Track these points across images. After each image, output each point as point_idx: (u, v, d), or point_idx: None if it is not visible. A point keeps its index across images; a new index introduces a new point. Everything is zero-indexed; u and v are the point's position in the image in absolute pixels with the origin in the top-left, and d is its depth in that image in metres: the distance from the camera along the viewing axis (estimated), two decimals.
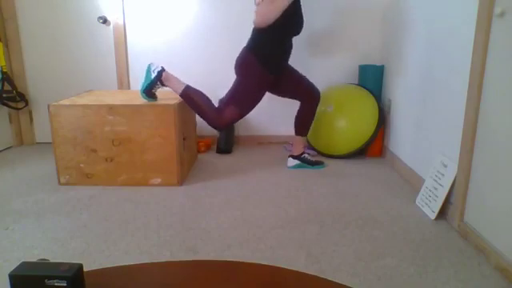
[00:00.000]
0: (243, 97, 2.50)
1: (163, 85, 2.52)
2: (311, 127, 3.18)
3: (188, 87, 2.51)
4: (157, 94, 2.57)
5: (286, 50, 2.54)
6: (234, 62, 2.54)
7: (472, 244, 1.83)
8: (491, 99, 1.72)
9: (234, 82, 2.53)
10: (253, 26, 2.48)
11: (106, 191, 2.46)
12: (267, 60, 2.45)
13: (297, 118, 2.78)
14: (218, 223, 2.05)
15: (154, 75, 2.50)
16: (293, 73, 2.66)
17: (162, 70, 2.51)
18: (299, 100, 2.73)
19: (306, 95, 2.69)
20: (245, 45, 2.53)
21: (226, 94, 2.54)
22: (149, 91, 2.50)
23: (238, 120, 2.55)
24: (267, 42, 2.43)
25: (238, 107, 2.49)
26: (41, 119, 3.48)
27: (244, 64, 2.47)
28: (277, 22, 2.35)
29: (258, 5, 2.41)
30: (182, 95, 2.51)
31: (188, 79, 3.33)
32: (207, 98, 2.54)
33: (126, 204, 2.28)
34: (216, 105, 2.58)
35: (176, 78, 2.53)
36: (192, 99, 2.50)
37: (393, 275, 1.61)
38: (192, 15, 3.26)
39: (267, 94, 3.14)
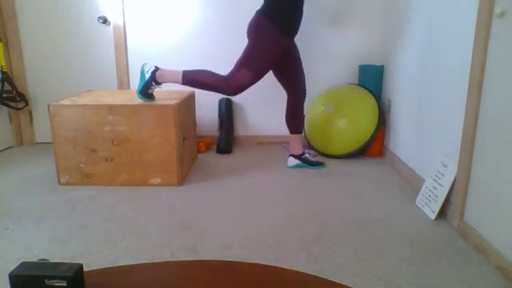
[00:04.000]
0: (255, 59, 2.46)
1: (158, 83, 2.52)
2: (309, 126, 3.18)
3: (185, 73, 2.49)
4: (154, 93, 2.57)
5: (300, 12, 2.52)
6: (247, 27, 2.52)
7: (472, 244, 1.83)
8: (491, 99, 1.72)
9: (246, 47, 2.50)
10: None
11: (106, 191, 2.46)
12: (281, 21, 2.43)
13: (286, 115, 2.79)
14: (218, 223, 2.05)
15: (148, 76, 2.50)
16: (297, 56, 2.66)
17: (156, 69, 2.51)
18: (289, 89, 2.71)
19: (297, 87, 2.69)
20: (257, 9, 2.51)
21: (237, 60, 2.51)
22: (145, 92, 2.50)
23: (249, 85, 2.50)
24: (281, 4, 2.42)
25: (250, 70, 2.45)
26: (41, 119, 3.48)
27: (257, 26, 2.45)
28: None
29: None
30: (184, 83, 2.50)
31: None
32: (208, 71, 2.52)
33: (126, 204, 2.28)
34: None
35: (170, 70, 2.51)
36: (195, 80, 2.49)
37: (393, 275, 1.61)
38: (192, 15, 3.26)
39: (266, 94, 3.14)
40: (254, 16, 2.49)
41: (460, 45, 1.98)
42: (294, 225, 2.04)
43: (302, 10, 2.52)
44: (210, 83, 2.49)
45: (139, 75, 2.57)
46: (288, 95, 2.75)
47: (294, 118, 2.76)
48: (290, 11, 2.45)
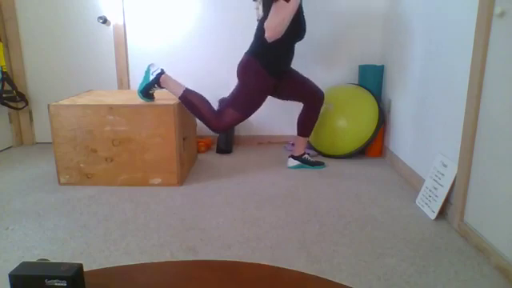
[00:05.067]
0: (244, 100, 2.49)
1: (160, 87, 2.52)
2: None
3: (187, 90, 2.50)
4: (155, 94, 2.57)
5: (290, 55, 2.54)
6: (237, 68, 2.54)
7: (472, 244, 1.83)
8: (491, 99, 1.72)
9: (236, 86, 2.53)
10: (255, 30, 2.49)
11: (106, 191, 2.46)
12: (270, 63, 2.44)
13: (300, 118, 2.77)
14: (218, 223, 2.05)
15: (152, 77, 2.50)
16: (296, 76, 2.65)
17: (162, 72, 2.51)
18: (303, 102, 2.72)
19: (310, 97, 2.68)
20: (247, 50, 2.52)
21: (227, 98, 2.54)
22: (146, 92, 2.51)
23: (237, 124, 2.55)
24: (271, 49, 2.42)
25: (239, 111, 2.49)
26: (41, 119, 3.48)
27: (246, 68, 2.47)
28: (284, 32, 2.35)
29: (259, 18, 2.44)
30: (180, 98, 2.50)
31: (187, 79, 3.33)
32: (207, 101, 2.53)
33: (126, 204, 2.28)
34: (215, 105, 2.58)
35: (175, 81, 2.52)
36: (191, 103, 2.49)
37: (393, 275, 1.61)
38: (192, 15, 3.26)
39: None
40: (243, 56, 2.50)
41: (460, 45, 1.98)
42: (293, 225, 2.04)
43: (291, 50, 2.53)
44: (203, 112, 2.51)
45: (144, 74, 2.57)
46: (304, 105, 2.74)
47: (308, 124, 2.76)
48: (279, 52, 2.46)
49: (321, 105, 2.73)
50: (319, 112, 2.74)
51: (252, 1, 2.69)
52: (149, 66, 2.53)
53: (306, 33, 2.55)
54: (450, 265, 1.68)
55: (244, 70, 2.48)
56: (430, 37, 2.33)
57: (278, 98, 2.73)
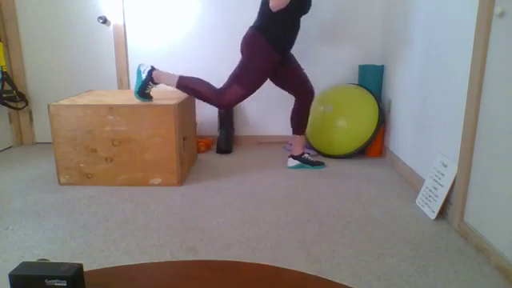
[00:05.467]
0: (248, 76, 2.47)
1: (155, 83, 2.54)
2: (309, 126, 3.18)
3: (181, 77, 2.52)
4: (153, 94, 2.57)
5: (295, 29, 2.51)
6: (241, 43, 2.52)
7: (472, 244, 1.83)
8: (491, 99, 1.72)
9: (239, 62, 2.51)
10: (259, 6, 2.47)
11: (105, 191, 2.46)
12: (275, 39, 2.43)
13: (292, 116, 2.78)
14: (218, 223, 2.05)
15: (144, 75, 2.51)
16: (296, 65, 2.66)
17: (152, 69, 2.53)
18: (294, 94, 2.72)
19: (302, 92, 2.68)
20: (252, 24, 2.51)
21: (231, 74, 2.53)
22: (142, 92, 2.51)
23: (241, 100, 2.53)
24: (277, 22, 2.40)
25: (243, 87, 2.47)
26: (41, 119, 3.48)
27: (250, 43, 2.45)
28: (289, 2, 2.34)
29: None
30: (178, 87, 2.52)
31: None
32: (205, 81, 2.54)
33: (126, 204, 2.28)
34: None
35: (167, 72, 2.54)
36: (189, 87, 2.51)
37: (393, 275, 1.61)
38: (192, 15, 3.26)
39: (266, 95, 3.14)
40: (249, 31, 2.49)
41: (460, 45, 1.98)
42: (293, 225, 2.04)
43: (297, 26, 2.51)
44: (202, 92, 2.51)
45: (136, 76, 2.58)
46: (296, 99, 2.75)
47: (300, 121, 2.76)
48: (284, 27, 2.45)
49: (310, 102, 2.72)
50: (309, 109, 2.75)
51: None
52: (139, 66, 2.56)
53: (311, 7, 2.53)
54: (450, 265, 1.68)
55: (248, 45, 2.46)
56: (430, 37, 2.33)
57: (274, 81, 2.71)
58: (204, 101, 2.54)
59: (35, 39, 3.32)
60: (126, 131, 2.45)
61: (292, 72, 2.64)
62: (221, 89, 2.51)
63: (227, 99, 2.50)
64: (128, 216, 2.14)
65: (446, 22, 2.13)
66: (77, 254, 1.78)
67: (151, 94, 2.61)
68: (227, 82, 2.51)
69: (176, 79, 2.51)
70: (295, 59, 2.68)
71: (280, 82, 2.71)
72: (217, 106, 2.55)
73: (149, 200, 2.33)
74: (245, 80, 2.47)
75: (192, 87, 2.52)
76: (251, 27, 2.49)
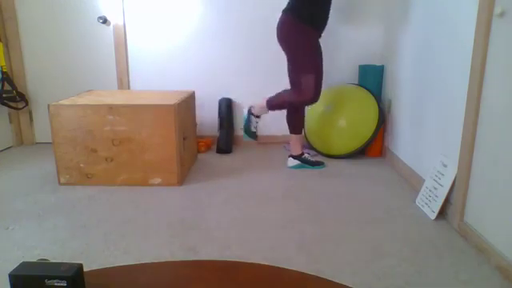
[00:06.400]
0: (305, 62, 2.49)
1: (256, 116, 2.75)
2: (309, 126, 3.18)
3: (267, 100, 2.68)
4: (152, 94, 2.58)
5: (323, 10, 2.52)
6: (276, 33, 2.54)
7: (472, 244, 1.83)
8: (491, 99, 1.72)
9: (289, 57, 2.55)
10: None
11: (105, 191, 2.46)
12: (312, 19, 2.45)
13: (287, 117, 2.80)
14: (218, 223, 2.05)
15: (246, 114, 2.77)
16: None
17: (250, 107, 2.77)
18: (291, 85, 2.72)
19: (297, 87, 2.68)
20: (284, 7, 2.52)
21: (289, 71, 2.59)
22: (249, 131, 2.77)
23: (319, 85, 2.55)
24: (310, 2, 2.43)
25: (310, 72, 2.50)
26: (41, 119, 3.48)
27: (286, 26, 2.48)
28: None
29: None
30: (270, 109, 2.72)
31: (188, 79, 3.33)
32: (280, 92, 2.67)
33: (126, 204, 2.28)
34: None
35: (258, 103, 2.73)
36: (275, 104, 2.67)
37: (393, 275, 1.61)
38: (192, 15, 3.26)
39: (266, 95, 3.13)
40: (282, 16, 2.51)
41: (460, 45, 1.98)
42: (293, 225, 2.04)
43: (327, 5, 2.51)
44: (287, 100, 2.62)
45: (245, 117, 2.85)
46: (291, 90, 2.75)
47: (293, 120, 2.77)
48: (315, 8, 2.46)
49: (302, 103, 2.69)
50: (302, 110, 2.76)
51: None
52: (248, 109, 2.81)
53: None
54: (450, 265, 1.68)
55: (286, 29, 2.48)
56: (430, 37, 2.33)
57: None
58: (295, 106, 2.64)
59: (35, 39, 3.32)
60: (126, 131, 2.45)
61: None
62: (295, 87, 2.56)
63: (307, 91, 2.53)
64: (128, 216, 2.14)
65: (446, 22, 2.13)
66: (77, 254, 1.78)
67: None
68: (294, 78, 2.57)
69: (265, 104, 2.67)
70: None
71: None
72: (307, 103, 2.61)
73: (149, 200, 2.33)
74: (306, 66, 2.50)
75: (277, 103, 2.65)
76: (284, 10, 2.51)
